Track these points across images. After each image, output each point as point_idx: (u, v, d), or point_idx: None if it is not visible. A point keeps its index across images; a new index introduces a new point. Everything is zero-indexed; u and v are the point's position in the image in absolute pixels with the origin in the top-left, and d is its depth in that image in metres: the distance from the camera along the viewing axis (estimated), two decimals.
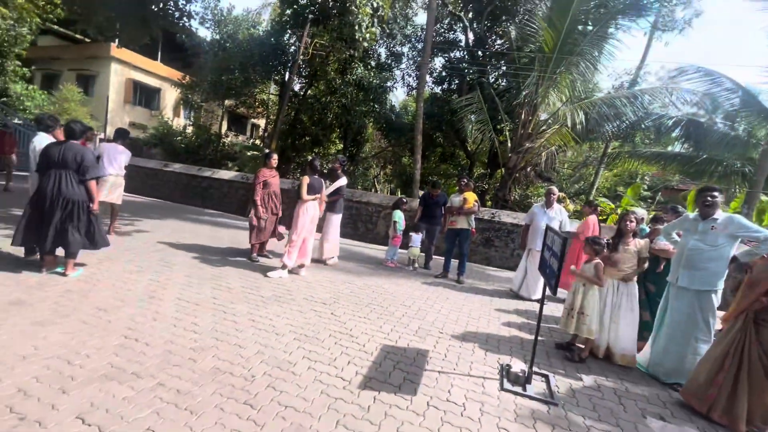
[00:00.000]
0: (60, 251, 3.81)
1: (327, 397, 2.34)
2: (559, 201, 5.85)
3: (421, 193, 8.65)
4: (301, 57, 12.55)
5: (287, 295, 4.19)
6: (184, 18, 8.75)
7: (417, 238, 6.64)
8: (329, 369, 2.69)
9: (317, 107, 15.08)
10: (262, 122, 22.14)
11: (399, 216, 6.69)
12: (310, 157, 12.90)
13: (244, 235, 5.87)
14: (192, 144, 16.80)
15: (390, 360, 2.98)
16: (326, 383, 2.50)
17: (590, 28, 9.09)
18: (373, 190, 22.09)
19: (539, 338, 3.01)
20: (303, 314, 3.69)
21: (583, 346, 3.56)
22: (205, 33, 32.26)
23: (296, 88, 15.93)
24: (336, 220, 6.01)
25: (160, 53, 21.12)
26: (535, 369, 3.02)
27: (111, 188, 5.73)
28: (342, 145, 17.89)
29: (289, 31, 13.60)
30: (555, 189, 5.57)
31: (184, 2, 8.50)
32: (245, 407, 2.12)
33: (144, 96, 21.02)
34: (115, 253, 4.79)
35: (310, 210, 5.00)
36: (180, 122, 20.91)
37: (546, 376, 3.03)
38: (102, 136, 15.23)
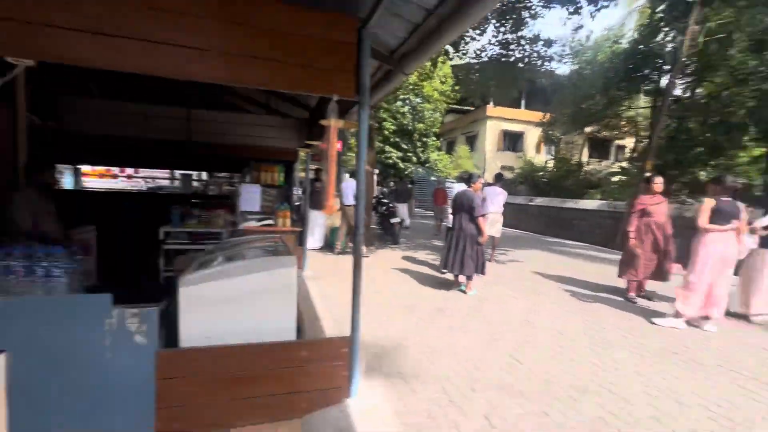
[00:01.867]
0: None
1: None
2: None
3: None
4: (686, 51, 10.12)
5: (685, 353, 3.27)
6: (545, 62, 9.42)
7: None
8: None
9: (714, 107, 11.52)
10: (629, 142, 19.67)
11: None
12: (702, 174, 9.90)
13: (612, 271, 5.27)
14: (553, 177, 17.48)
15: None
16: None
17: None
18: None
19: None
20: (715, 385, 2.73)
21: None
22: (562, 68, 33.32)
23: (676, 92, 12.95)
24: None
25: (523, 101, 23.87)
26: None
27: (491, 224, 6.92)
28: (765, 149, 12.59)
29: (665, 28, 11.41)
30: None
31: (545, 49, 9.17)
32: None
33: (510, 141, 24.34)
34: (496, 279, 5.66)
35: (717, 243, 3.75)
36: (541, 158, 22.39)
37: None
38: (482, 181, 18.99)
